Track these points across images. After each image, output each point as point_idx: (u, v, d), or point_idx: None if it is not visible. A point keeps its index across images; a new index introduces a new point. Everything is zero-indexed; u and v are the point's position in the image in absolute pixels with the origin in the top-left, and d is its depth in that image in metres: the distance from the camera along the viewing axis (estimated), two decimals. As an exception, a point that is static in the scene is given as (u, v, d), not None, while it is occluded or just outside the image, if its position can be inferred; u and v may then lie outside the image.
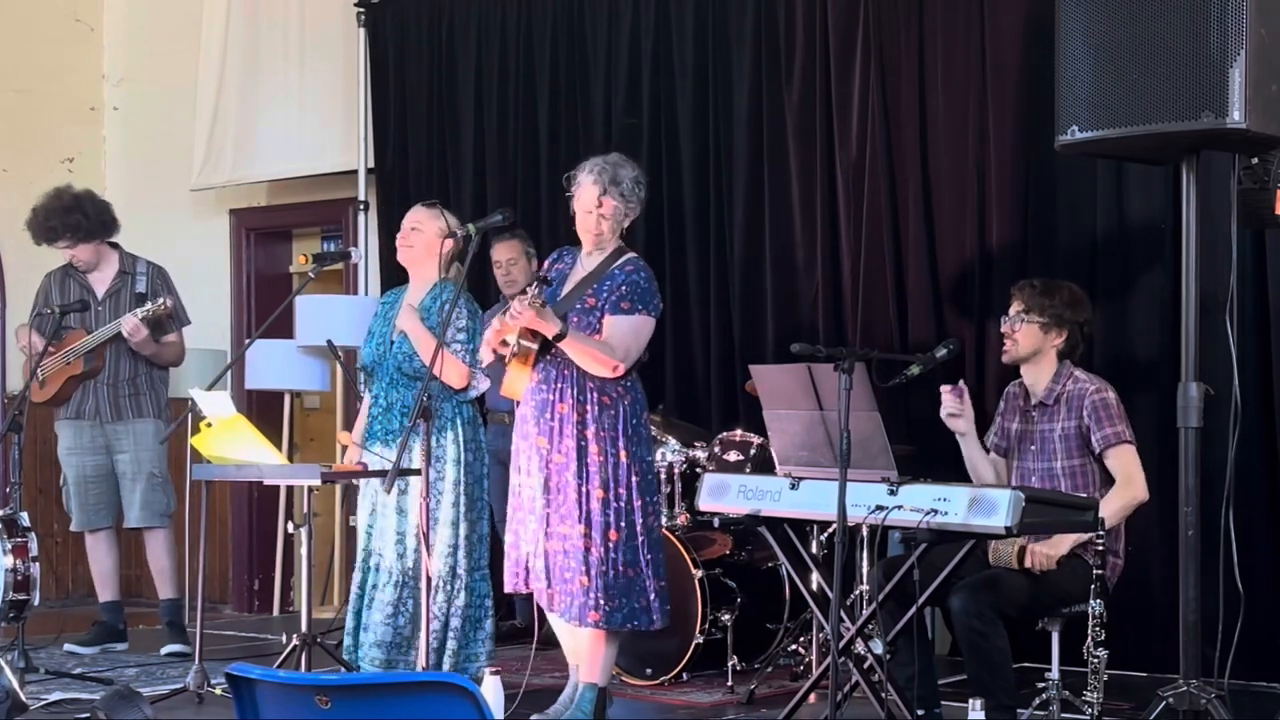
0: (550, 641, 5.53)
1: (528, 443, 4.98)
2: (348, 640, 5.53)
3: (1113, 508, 4.69)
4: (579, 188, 5.00)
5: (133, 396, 6.73)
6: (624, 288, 4.93)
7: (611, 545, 4.86)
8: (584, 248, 5.06)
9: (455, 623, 5.40)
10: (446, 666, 5.36)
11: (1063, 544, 4.66)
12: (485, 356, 5.10)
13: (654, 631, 5.76)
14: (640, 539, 4.91)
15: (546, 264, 5.22)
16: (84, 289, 6.78)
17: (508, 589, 5.13)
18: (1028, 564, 4.66)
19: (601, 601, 4.85)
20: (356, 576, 5.58)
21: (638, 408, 4.98)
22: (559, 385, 4.91)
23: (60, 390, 6.70)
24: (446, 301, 5.44)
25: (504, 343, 4.91)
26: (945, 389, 4.99)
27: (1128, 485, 4.79)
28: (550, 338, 4.80)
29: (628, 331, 4.91)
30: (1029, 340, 4.96)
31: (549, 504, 4.90)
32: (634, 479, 4.91)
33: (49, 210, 6.71)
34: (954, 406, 4.98)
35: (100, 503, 6.81)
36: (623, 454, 4.89)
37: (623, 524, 4.87)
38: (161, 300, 6.52)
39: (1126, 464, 4.81)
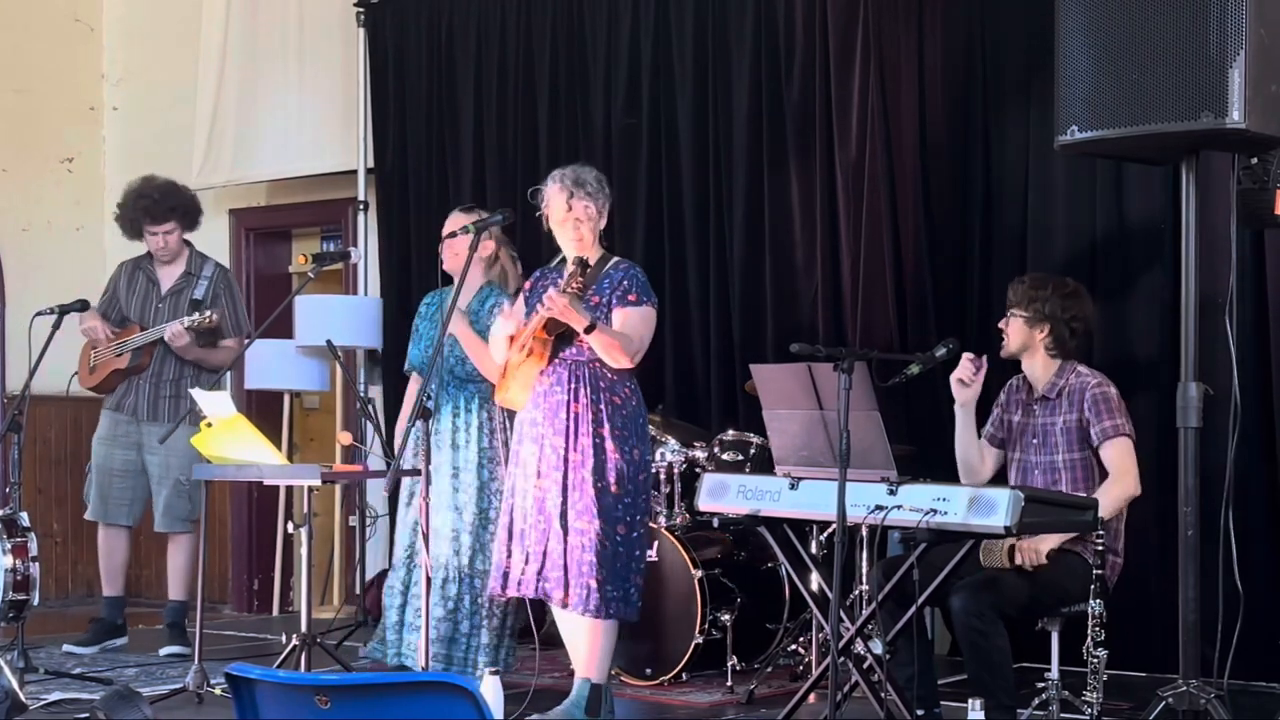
0: (551, 642, 5.53)
1: (539, 445, 5.01)
2: (391, 635, 5.55)
3: (1102, 503, 4.70)
4: (547, 203, 5.08)
5: (173, 399, 6.74)
6: (626, 282, 5.04)
7: (620, 539, 4.95)
8: (569, 262, 5.08)
9: (510, 622, 5.50)
10: (502, 661, 5.46)
11: (1048, 539, 4.67)
12: (500, 357, 5.12)
13: (654, 632, 5.78)
14: (638, 533, 5.03)
15: (527, 285, 5.25)
16: (151, 283, 6.84)
17: (496, 593, 5.16)
18: (1018, 561, 4.67)
19: (613, 593, 4.94)
20: (399, 573, 5.60)
21: (642, 408, 5.10)
22: (572, 386, 4.98)
23: (106, 380, 6.78)
24: (494, 305, 5.49)
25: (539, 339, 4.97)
26: (968, 356, 5.01)
27: (1119, 478, 4.80)
28: (581, 330, 4.85)
29: (639, 322, 5.02)
30: (1016, 335, 5.01)
31: (566, 501, 4.95)
32: (640, 476, 5.03)
33: (167, 190, 6.80)
34: (967, 374, 5.00)
35: (123, 499, 6.80)
36: (635, 452, 5.00)
37: (629, 518, 4.97)
38: (208, 314, 6.53)
39: (1120, 457, 4.82)
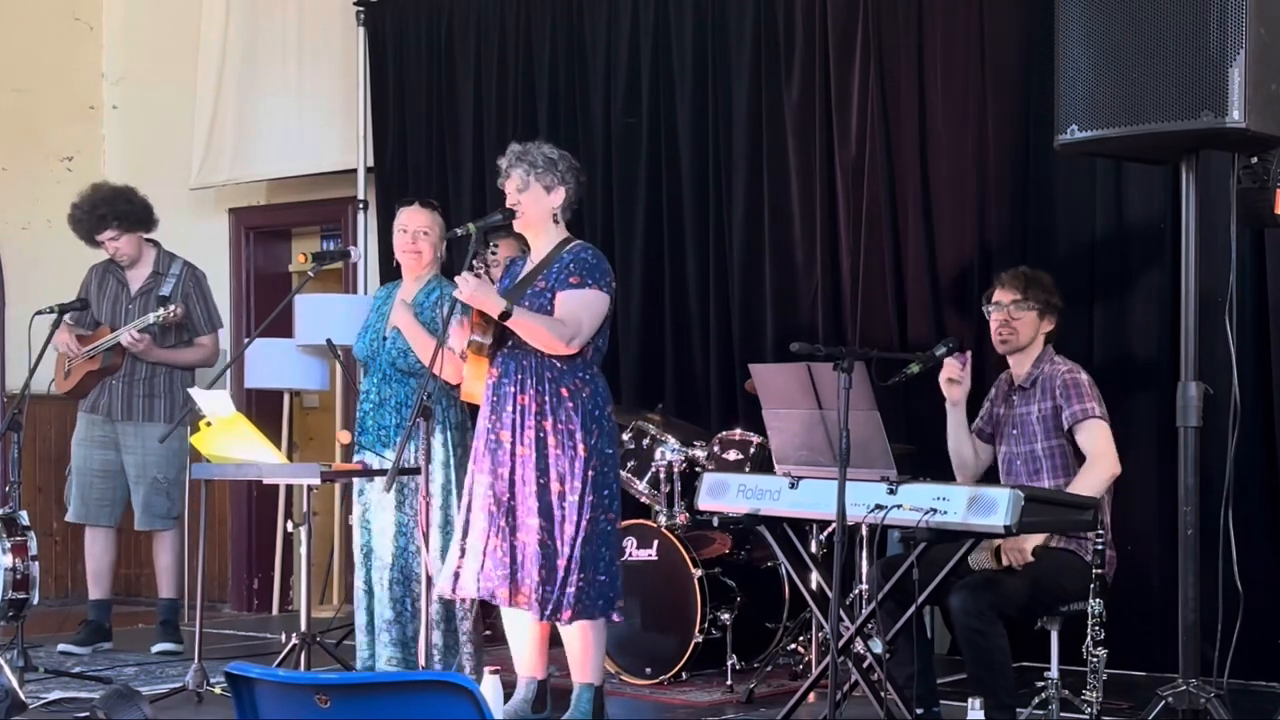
0: (553, 640, 5.53)
1: (486, 439, 4.94)
2: (362, 638, 5.52)
3: (1084, 487, 4.71)
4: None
5: (147, 398, 6.75)
6: (572, 265, 4.89)
7: (566, 539, 4.83)
8: (530, 244, 5.05)
9: (453, 624, 5.42)
10: (456, 665, 5.39)
11: (1031, 538, 4.67)
12: (455, 345, 5.02)
13: (653, 631, 5.78)
14: (592, 532, 4.85)
15: (501, 271, 5.24)
16: (120, 285, 6.84)
17: (480, 596, 5.04)
18: (1005, 562, 4.68)
19: (558, 595, 4.82)
20: (359, 572, 5.59)
21: (599, 399, 4.92)
22: (519, 377, 4.88)
23: (81, 383, 6.77)
24: (440, 297, 5.46)
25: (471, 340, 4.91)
26: (952, 355, 5.02)
27: (1096, 460, 4.81)
28: (495, 316, 4.76)
29: (577, 305, 4.85)
30: (1028, 327, 5.03)
31: (514, 497, 4.87)
32: (590, 473, 4.85)
33: (97, 200, 6.78)
34: (955, 372, 5.02)
35: (104, 500, 6.80)
36: (580, 447, 4.84)
37: (576, 517, 4.83)
38: (171, 308, 6.53)
39: (1094, 439, 4.83)
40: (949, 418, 5.13)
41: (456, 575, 4.97)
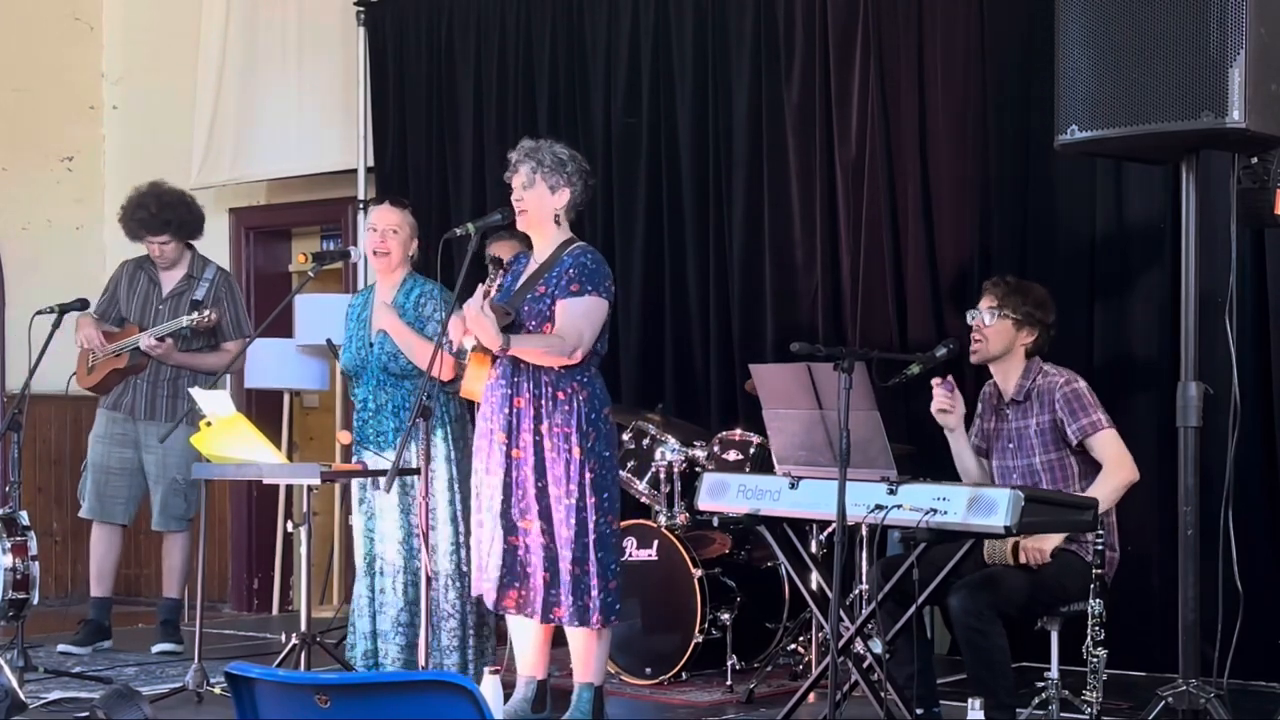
0: (555, 640, 5.53)
1: (487, 440, 4.95)
2: (361, 644, 5.51)
3: (1102, 493, 4.70)
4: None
5: (171, 398, 6.76)
6: (572, 270, 4.88)
7: (563, 542, 4.83)
8: (533, 242, 5.05)
9: (472, 620, 5.42)
10: (470, 662, 5.39)
11: (1051, 538, 4.67)
12: (455, 337, 5.01)
13: (653, 631, 5.78)
14: (589, 537, 4.85)
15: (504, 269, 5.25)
16: (152, 284, 6.86)
17: (477, 594, 5.07)
18: (1022, 559, 4.68)
19: (563, 597, 4.83)
20: (363, 581, 5.57)
21: (596, 402, 4.92)
22: (516, 380, 4.89)
23: (105, 380, 6.78)
24: (420, 296, 5.46)
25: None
26: (936, 382, 5.01)
27: (1116, 468, 4.80)
28: (495, 350, 4.80)
29: (578, 315, 4.85)
30: (1001, 338, 4.98)
31: (508, 499, 4.88)
32: (587, 475, 4.84)
33: (165, 202, 6.79)
34: (944, 402, 5.00)
35: (119, 497, 6.81)
36: (576, 450, 4.84)
37: (573, 521, 4.83)
38: (207, 313, 6.55)
39: (1110, 449, 4.82)
40: (950, 441, 5.09)
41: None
